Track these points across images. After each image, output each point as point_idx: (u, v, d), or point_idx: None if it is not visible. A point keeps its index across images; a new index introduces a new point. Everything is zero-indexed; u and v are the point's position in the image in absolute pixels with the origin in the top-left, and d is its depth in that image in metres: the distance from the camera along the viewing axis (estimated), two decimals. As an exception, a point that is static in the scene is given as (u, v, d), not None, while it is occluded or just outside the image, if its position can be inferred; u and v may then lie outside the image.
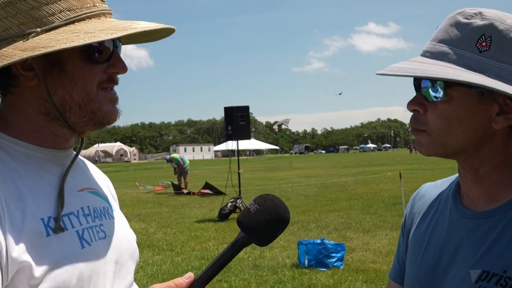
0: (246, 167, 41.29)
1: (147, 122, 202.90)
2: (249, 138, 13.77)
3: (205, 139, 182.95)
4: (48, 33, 1.06)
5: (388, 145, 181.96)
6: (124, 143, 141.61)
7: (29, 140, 1.16)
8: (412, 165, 28.51)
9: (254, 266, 7.78)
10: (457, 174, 1.28)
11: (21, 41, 1.05)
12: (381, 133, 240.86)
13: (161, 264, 8.12)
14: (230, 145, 13.80)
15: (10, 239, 1.00)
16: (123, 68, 1.17)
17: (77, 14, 1.09)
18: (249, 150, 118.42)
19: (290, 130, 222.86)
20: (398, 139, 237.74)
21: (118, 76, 1.19)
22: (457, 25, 1.10)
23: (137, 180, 27.98)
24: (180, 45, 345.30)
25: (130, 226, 1.44)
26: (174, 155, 22.09)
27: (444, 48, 1.10)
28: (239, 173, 13.47)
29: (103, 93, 1.15)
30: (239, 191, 13.40)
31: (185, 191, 20.00)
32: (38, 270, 1.01)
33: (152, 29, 1.13)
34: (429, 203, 1.35)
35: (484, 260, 1.10)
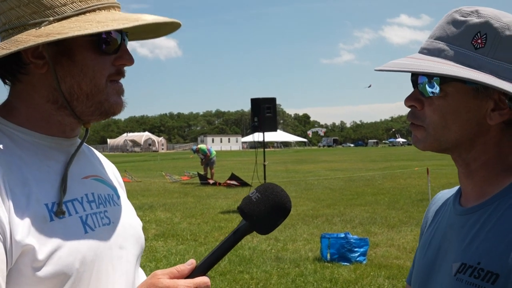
0: (273, 159, 41.30)
1: (175, 112, 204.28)
2: (275, 130, 13.73)
3: (233, 130, 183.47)
4: (60, 22, 1.09)
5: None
6: (153, 133, 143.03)
7: (35, 128, 1.18)
8: (441, 160, 28.02)
9: (277, 259, 7.78)
10: None
11: (34, 29, 1.08)
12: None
13: (184, 254, 8.19)
14: (257, 136, 13.80)
15: (14, 223, 1.03)
16: (130, 60, 1.20)
17: (88, 5, 1.13)
18: (277, 142, 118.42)
19: (319, 122, 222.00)
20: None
21: (125, 68, 1.22)
22: (454, 22, 1.14)
23: (164, 170, 28.23)
24: (208, 36, 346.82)
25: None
26: (201, 145, 22.24)
27: (441, 45, 1.14)
28: (264, 165, 13.48)
29: (111, 85, 1.19)
30: (264, 182, 13.40)
31: (211, 181, 20.11)
32: (42, 253, 1.04)
33: (161, 21, 1.16)
34: (440, 206, 1.40)
35: (464, 253, 1.13)
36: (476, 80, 1.05)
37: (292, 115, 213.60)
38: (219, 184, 19.32)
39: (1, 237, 1.01)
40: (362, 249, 7.51)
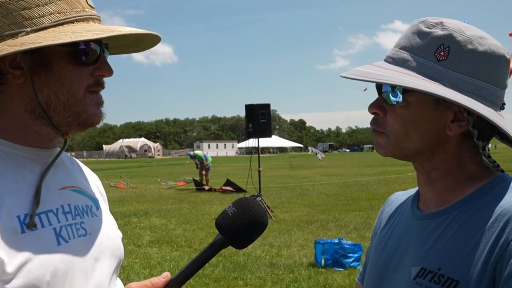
0: (269, 165, 41.29)
1: (171, 118, 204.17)
2: (270, 135, 13.75)
3: (229, 136, 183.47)
4: (37, 33, 1.11)
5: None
6: (149, 139, 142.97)
7: (12, 139, 1.19)
8: (436, 165, 28.27)
9: (271, 265, 7.77)
10: None
11: (11, 39, 1.10)
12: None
13: (178, 260, 8.18)
14: (252, 142, 13.82)
15: None
16: (108, 71, 1.21)
17: (67, 16, 1.14)
18: (273, 148, 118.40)
19: (314, 128, 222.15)
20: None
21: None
22: (419, 33, 1.15)
23: (160, 176, 28.19)
24: (204, 41, 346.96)
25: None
26: (198, 152, 22.25)
27: (405, 55, 1.16)
28: (259, 171, 13.48)
29: (90, 96, 1.19)
30: (259, 188, 13.42)
31: (206, 187, 20.08)
32: (11, 266, 1.03)
33: (137, 33, 1.17)
34: (395, 208, 1.41)
35: (424, 258, 1.15)
36: (434, 94, 1.07)
37: (288, 121, 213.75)
38: (214, 190, 19.29)
39: None
40: (356, 255, 7.52)
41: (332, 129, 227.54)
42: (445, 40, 1.12)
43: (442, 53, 1.12)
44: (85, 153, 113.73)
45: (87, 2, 1.19)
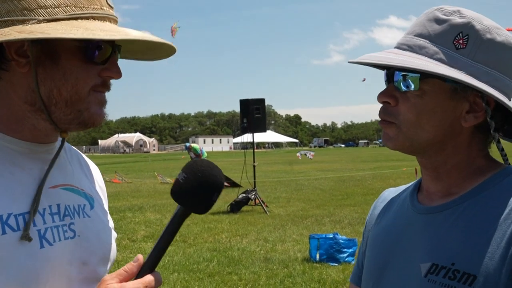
0: (264, 160, 41.30)
1: (167, 113, 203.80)
2: (264, 130, 13.73)
3: (225, 131, 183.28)
4: (49, 23, 1.05)
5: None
6: (144, 134, 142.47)
7: (5, 130, 1.13)
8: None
9: (265, 259, 7.79)
10: (419, 179, 1.30)
11: (20, 25, 1.04)
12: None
13: (173, 255, 8.17)
14: (246, 137, 13.80)
15: None
16: (118, 74, 1.15)
17: (83, 12, 1.08)
18: (268, 143, 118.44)
19: (310, 123, 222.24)
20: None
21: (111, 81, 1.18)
22: (436, 20, 1.11)
23: (156, 170, 28.15)
24: (200, 36, 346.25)
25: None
26: (194, 145, 22.14)
27: (422, 42, 1.11)
28: (254, 166, 13.48)
29: (94, 94, 1.13)
30: (254, 183, 13.42)
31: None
32: None
33: (153, 40, 1.12)
34: (389, 205, 1.36)
35: (434, 253, 1.10)
36: (461, 80, 1.04)
37: (284, 116, 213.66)
38: (210, 185, 19.24)
39: None
40: (350, 250, 7.53)
41: (328, 124, 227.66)
42: (464, 28, 1.08)
43: (461, 41, 1.08)
44: (84, 148, 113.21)
45: (106, 1, 1.14)
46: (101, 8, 1.12)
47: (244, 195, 12.78)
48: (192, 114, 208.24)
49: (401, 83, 1.11)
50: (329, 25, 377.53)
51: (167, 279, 6.72)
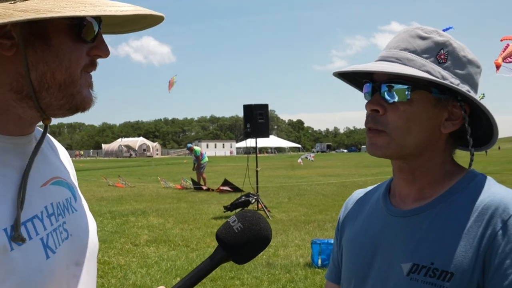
0: (267, 165, 41.28)
1: (170, 118, 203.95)
2: (267, 136, 13.75)
3: (228, 135, 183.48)
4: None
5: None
6: (147, 138, 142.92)
7: None
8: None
9: (268, 264, 7.79)
10: (387, 179, 1.41)
11: (7, 2, 0.90)
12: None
13: (175, 260, 8.18)
14: (249, 142, 13.82)
15: None
16: (106, 51, 1.05)
17: None
18: (271, 148, 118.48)
19: (312, 128, 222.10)
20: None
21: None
22: (419, 37, 1.23)
23: (158, 175, 28.17)
24: (202, 41, 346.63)
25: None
26: (196, 147, 22.13)
27: (409, 55, 1.21)
28: (257, 171, 13.50)
29: (84, 76, 1.03)
30: (257, 188, 13.43)
31: (204, 187, 20.09)
32: None
33: (145, 13, 1.00)
34: (361, 206, 1.46)
35: (414, 254, 1.20)
36: (459, 89, 1.17)
37: (286, 121, 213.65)
38: (212, 190, 19.30)
39: None
40: (352, 255, 7.53)
41: (330, 130, 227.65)
42: (444, 45, 1.21)
43: (442, 56, 1.20)
44: (91, 152, 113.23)
45: None
46: None
47: (245, 198, 12.78)
48: (195, 118, 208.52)
49: (391, 92, 1.20)
50: (331, 31, 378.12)
51: (170, 284, 6.73)
